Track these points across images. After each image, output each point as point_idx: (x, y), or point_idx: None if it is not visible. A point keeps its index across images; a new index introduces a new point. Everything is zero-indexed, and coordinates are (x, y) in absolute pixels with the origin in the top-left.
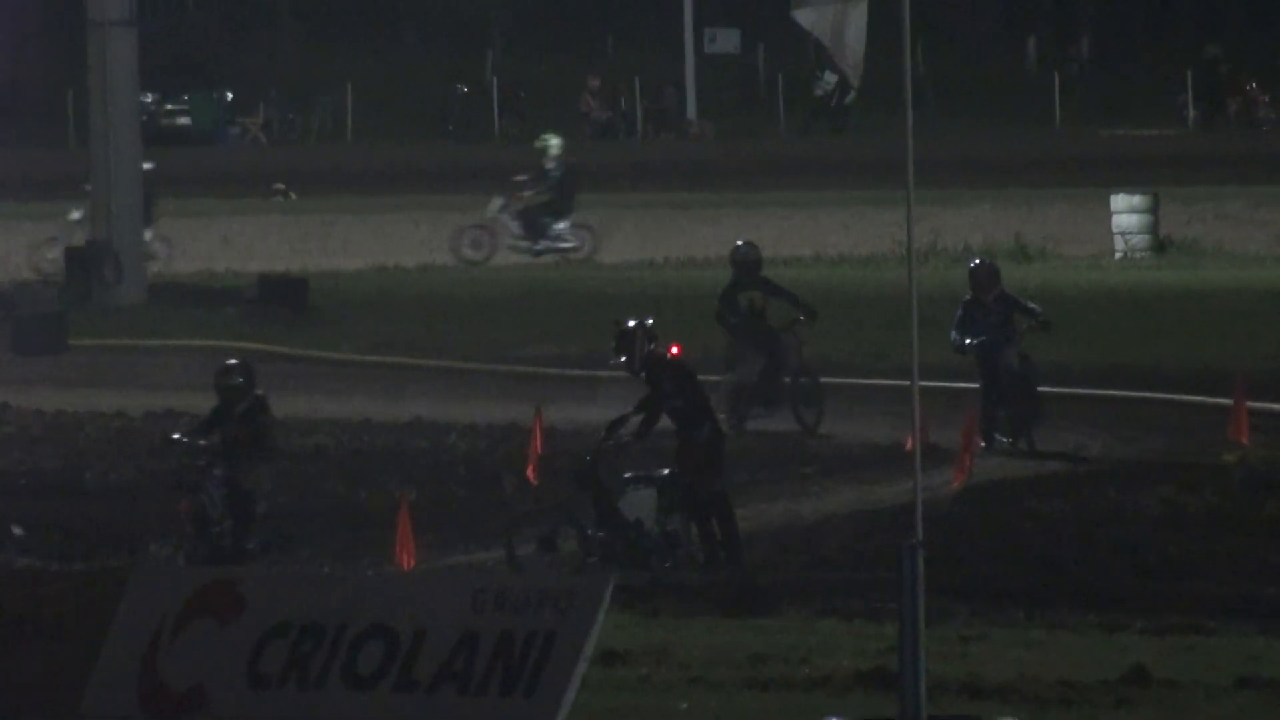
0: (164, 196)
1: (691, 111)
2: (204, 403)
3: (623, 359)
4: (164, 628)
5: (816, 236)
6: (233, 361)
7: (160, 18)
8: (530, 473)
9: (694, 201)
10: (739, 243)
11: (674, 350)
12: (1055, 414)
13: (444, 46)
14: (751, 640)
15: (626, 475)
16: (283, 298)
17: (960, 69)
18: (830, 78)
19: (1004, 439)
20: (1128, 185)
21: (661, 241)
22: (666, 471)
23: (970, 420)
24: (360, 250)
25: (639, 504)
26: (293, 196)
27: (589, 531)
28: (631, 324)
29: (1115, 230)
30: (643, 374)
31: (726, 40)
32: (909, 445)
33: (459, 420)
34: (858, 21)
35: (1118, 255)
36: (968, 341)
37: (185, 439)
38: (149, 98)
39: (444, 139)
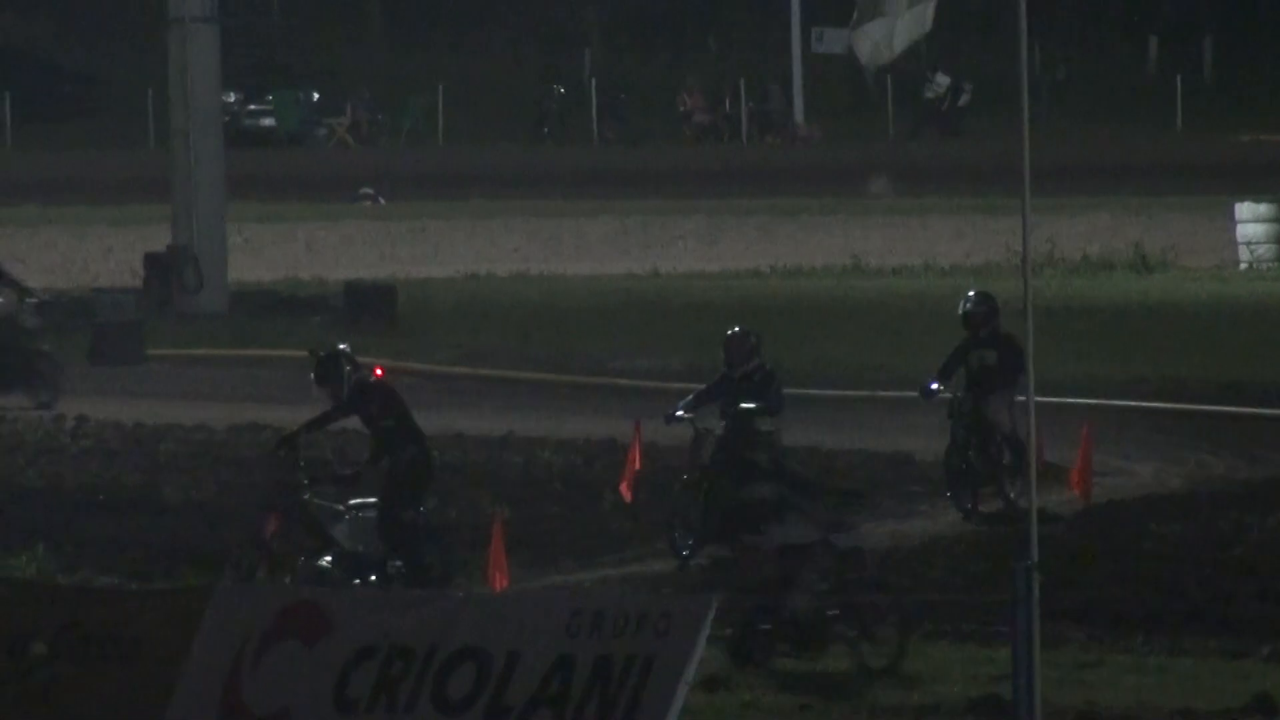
0: (245, 200)
1: (799, 114)
2: (288, 415)
3: (326, 387)
4: (247, 649)
5: (926, 245)
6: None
7: (243, 14)
8: (626, 490)
9: (801, 207)
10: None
11: (378, 372)
12: (1176, 432)
13: (538, 45)
14: (858, 664)
15: (352, 502)
16: (370, 306)
17: (1078, 71)
18: (942, 79)
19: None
20: (1253, 193)
21: (767, 249)
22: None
23: (1087, 438)
24: (451, 257)
25: (359, 530)
26: (381, 201)
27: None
28: (330, 351)
29: (1239, 240)
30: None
31: (835, 40)
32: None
33: (553, 435)
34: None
35: (1242, 266)
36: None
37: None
38: (231, 97)
39: (539, 141)
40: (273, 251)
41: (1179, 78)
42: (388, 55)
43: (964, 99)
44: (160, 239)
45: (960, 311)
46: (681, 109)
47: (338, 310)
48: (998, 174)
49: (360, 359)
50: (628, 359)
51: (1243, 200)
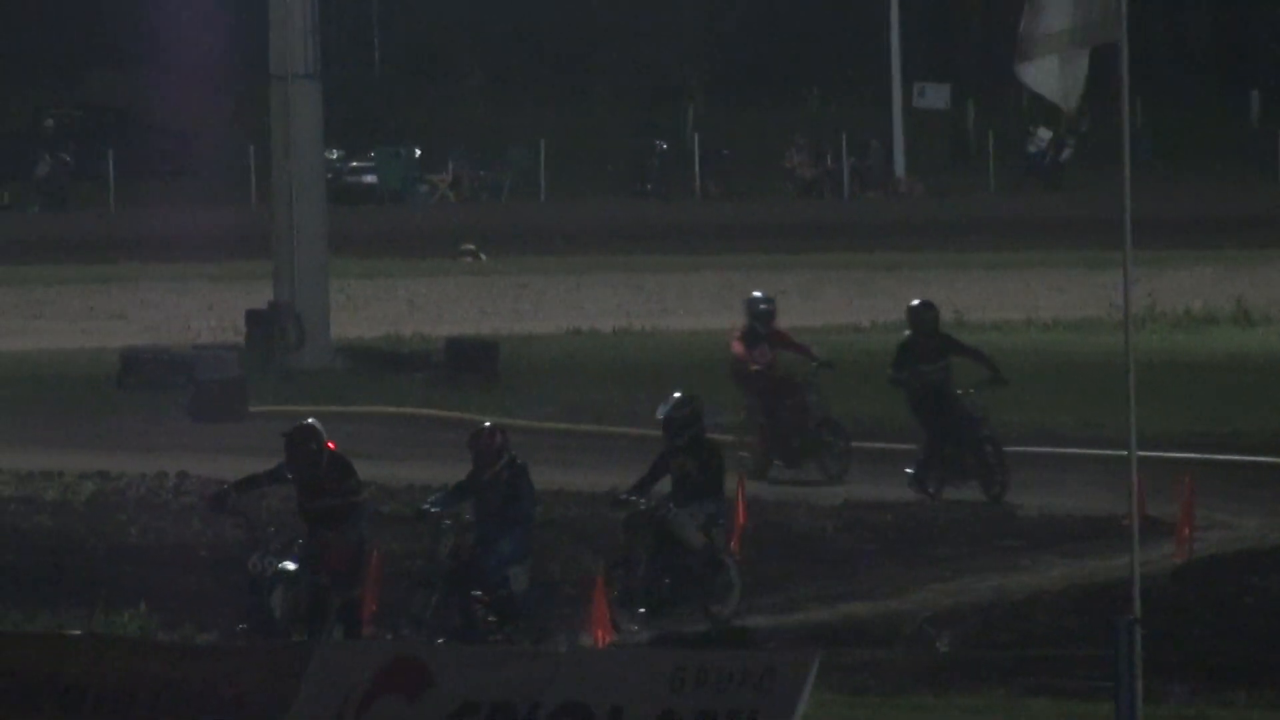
0: (347, 256)
1: (900, 168)
2: (390, 472)
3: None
4: (348, 706)
5: (1028, 299)
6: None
7: (346, 71)
8: (735, 544)
9: (901, 262)
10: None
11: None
12: (1278, 486)
13: (640, 100)
14: None
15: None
16: (472, 362)
17: (1181, 124)
18: (1044, 133)
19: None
20: None
21: (866, 303)
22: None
23: (1189, 492)
24: (552, 313)
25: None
26: (482, 258)
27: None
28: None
29: None
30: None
31: (936, 95)
32: (1126, 519)
33: (655, 490)
34: (1079, 68)
35: None
36: None
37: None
38: (334, 154)
39: (641, 196)
40: (375, 308)
41: None
42: (489, 111)
43: (1066, 153)
44: (262, 296)
45: (659, 416)
46: (788, 165)
47: (439, 366)
48: (1099, 228)
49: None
50: (730, 414)
51: None
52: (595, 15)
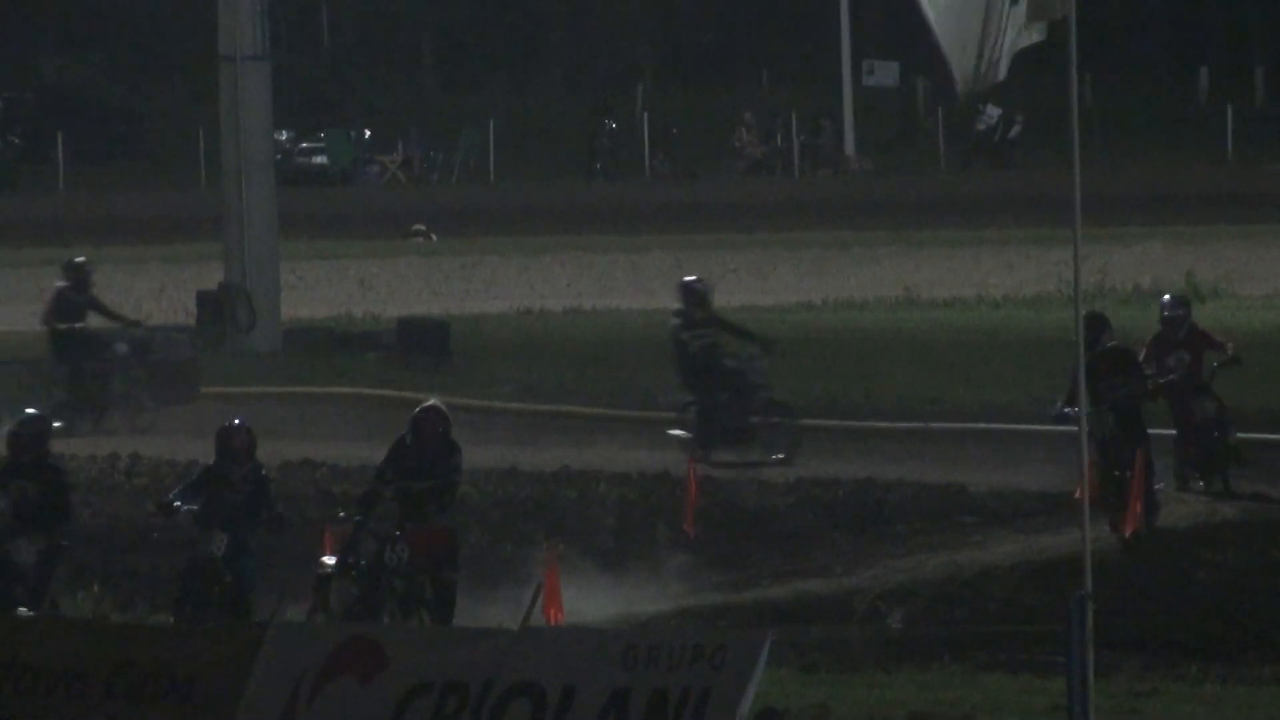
0: (297, 238)
1: (849, 147)
2: (342, 452)
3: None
4: (302, 686)
5: (979, 276)
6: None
7: (295, 52)
8: (688, 525)
9: (853, 240)
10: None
11: None
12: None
13: (590, 81)
14: (913, 696)
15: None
16: (423, 343)
17: (1129, 102)
18: (993, 111)
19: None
20: None
21: (819, 281)
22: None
23: (1139, 467)
24: (504, 293)
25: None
26: (433, 238)
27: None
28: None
29: None
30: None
31: (885, 73)
32: (1077, 493)
33: (608, 469)
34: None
35: None
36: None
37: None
38: (283, 135)
39: (591, 177)
40: (325, 289)
41: (1230, 107)
42: (439, 92)
43: (1015, 131)
44: (213, 277)
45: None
46: (737, 144)
47: (391, 347)
48: (1049, 205)
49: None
50: (680, 393)
51: None
52: None
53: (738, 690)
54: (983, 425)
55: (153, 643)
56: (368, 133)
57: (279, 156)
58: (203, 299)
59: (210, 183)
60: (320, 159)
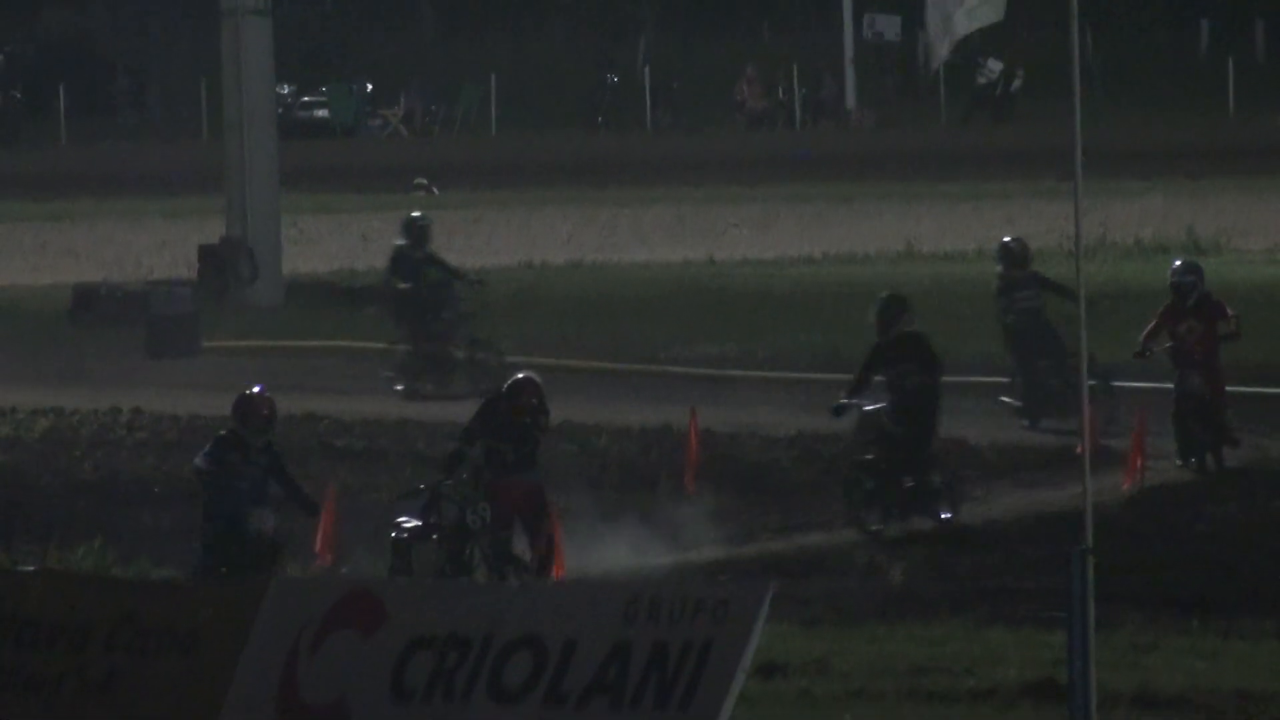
0: (299, 191)
1: (851, 100)
2: (344, 406)
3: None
4: (304, 640)
5: (980, 230)
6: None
7: (296, 6)
8: (689, 480)
9: (855, 194)
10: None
11: None
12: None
13: (592, 34)
14: (914, 651)
15: None
16: None
17: (1130, 55)
18: (995, 65)
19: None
20: None
21: (821, 235)
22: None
23: (1141, 422)
24: (505, 247)
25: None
26: (435, 191)
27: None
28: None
29: None
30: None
31: (887, 26)
32: (1079, 448)
33: (609, 423)
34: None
35: None
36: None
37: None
38: (285, 89)
39: (593, 130)
40: (327, 243)
41: (1231, 60)
42: (441, 46)
43: (1016, 84)
44: (214, 231)
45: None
46: (739, 97)
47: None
48: (1050, 159)
49: None
50: (683, 347)
51: None
52: None
53: (739, 643)
54: (983, 379)
55: (155, 597)
56: (369, 86)
57: (280, 110)
58: (204, 253)
59: (212, 137)
60: (322, 113)
